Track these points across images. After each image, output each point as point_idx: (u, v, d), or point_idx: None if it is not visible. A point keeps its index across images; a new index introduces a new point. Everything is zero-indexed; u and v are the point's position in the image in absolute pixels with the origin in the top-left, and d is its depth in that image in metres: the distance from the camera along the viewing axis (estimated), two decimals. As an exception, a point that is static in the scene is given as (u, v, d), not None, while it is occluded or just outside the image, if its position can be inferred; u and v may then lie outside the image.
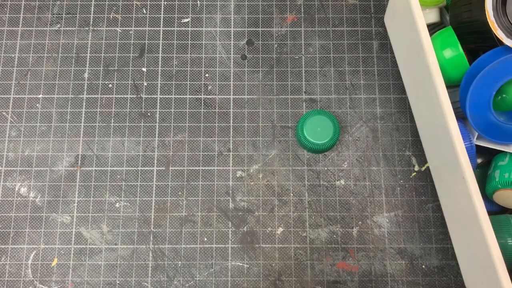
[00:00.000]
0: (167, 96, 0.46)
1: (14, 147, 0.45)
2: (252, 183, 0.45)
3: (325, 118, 0.43)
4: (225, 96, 0.46)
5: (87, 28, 0.48)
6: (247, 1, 0.49)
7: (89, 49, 0.47)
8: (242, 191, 0.44)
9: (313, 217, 0.44)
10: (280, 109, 0.46)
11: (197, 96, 0.46)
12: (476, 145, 0.39)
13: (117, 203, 0.44)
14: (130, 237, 0.43)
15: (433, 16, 0.44)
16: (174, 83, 0.47)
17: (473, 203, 0.34)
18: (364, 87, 0.47)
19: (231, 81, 0.47)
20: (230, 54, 0.47)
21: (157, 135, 0.45)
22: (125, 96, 0.46)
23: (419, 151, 0.45)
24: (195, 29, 0.48)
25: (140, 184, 0.44)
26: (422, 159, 0.45)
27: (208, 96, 0.46)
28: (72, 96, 0.46)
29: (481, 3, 0.37)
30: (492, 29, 0.36)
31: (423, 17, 0.37)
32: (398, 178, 0.45)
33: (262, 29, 0.48)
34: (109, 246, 0.43)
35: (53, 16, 0.48)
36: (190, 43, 0.47)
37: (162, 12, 0.48)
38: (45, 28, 0.48)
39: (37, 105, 0.46)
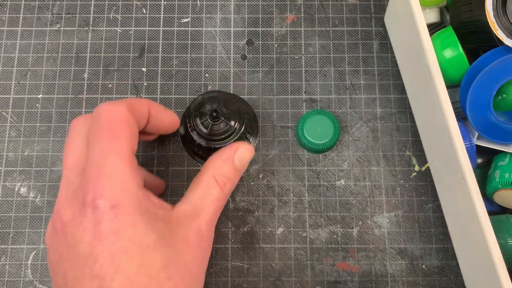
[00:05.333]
0: (167, 96, 0.46)
1: (14, 147, 0.45)
2: (252, 183, 0.44)
3: (325, 118, 0.43)
4: (225, 96, 0.46)
5: (87, 28, 0.48)
6: (247, 1, 0.49)
7: (89, 49, 0.47)
8: (242, 191, 0.44)
9: (313, 217, 0.44)
10: (280, 109, 0.46)
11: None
12: (476, 145, 0.39)
13: (117, 203, 0.44)
14: (130, 237, 0.43)
15: (433, 16, 0.44)
16: (174, 83, 0.47)
17: (473, 203, 0.34)
18: (364, 87, 0.47)
19: (231, 81, 0.47)
20: (230, 54, 0.47)
21: (157, 135, 0.45)
22: (125, 96, 0.46)
23: (419, 151, 0.45)
24: (195, 29, 0.48)
25: (140, 184, 0.44)
26: (422, 159, 0.45)
27: (208, 96, 0.46)
28: (72, 96, 0.46)
29: (481, 3, 0.37)
30: (492, 29, 0.36)
31: (423, 17, 0.37)
32: (398, 178, 0.45)
33: (262, 29, 0.48)
34: (109, 246, 0.43)
35: (53, 16, 0.48)
36: (190, 43, 0.47)
37: (162, 12, 0.48)
38: (45, 28, 0.48)
39: (37, 105, 0.46)
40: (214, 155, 0.37)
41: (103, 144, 0.29)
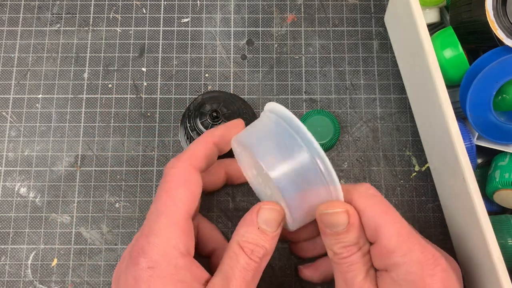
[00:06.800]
0: (167, 96, 0.46)
1: (13, 147, 0.45)
2: (252, 183, 0.44)
3: (325, 118, 0.43)
4: (225, 96, 0.46)
5: (86, 28, 0.48)
6: (247, 1, 0.49)
7: (88, 49, 0.47)
8: (242, 191, 0.44)
9: (313, 217, 0.44)
10: (280, 109, 0.46)
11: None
12: (476, 145, 0.39)
13: (117, 203, 0.44)
14: (130, 237, 0.43)
15: (433, 16, 0.44)
16: (174, 83, 0.47)
17: (473, 203, 0.34)
18: (364, 87, 0.47)
19: (231, 81, 0.47)
20: (230, 54, 0.47)
21: (157, 135, 0.45)
22: (125, 96, 0.46)
23: (419, 151, 0.45)
24: (195, 29, 0.48)
25: (140, 184, 0.44)
26: (422, 159, 0.45)
27: (208, 96, 0.46)
28: (72, 96, 0.46)
29: (481, 3, 0.37)
30: (492, 29, 0.36)
31: (423, 17, 0.37)
32: (398, 178, 0.45)
33: (262, 29, 0.48)
34: (109, 246, 0.43)
35: (53, 16, 0.48)
36: (190, 43, 0.47)
37: (162, 12, 0.48)
38: (44, 28, 0.48)
39: (37, 105, 0.46)
40: (241, 220, 0.34)
41: (159, 206, 0.31)
